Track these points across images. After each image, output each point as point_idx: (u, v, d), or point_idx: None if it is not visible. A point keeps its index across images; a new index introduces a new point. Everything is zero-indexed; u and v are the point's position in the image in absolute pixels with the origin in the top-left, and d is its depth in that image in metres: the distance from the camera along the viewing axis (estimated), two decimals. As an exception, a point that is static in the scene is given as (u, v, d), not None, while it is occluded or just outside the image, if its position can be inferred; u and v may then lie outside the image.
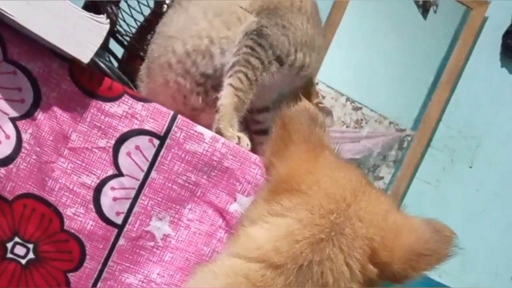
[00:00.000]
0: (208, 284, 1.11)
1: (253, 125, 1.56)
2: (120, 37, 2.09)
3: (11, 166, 1.31)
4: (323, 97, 4.21)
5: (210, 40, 1.60)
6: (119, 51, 2.14)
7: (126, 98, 1.35)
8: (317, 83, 4.07)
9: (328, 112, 1.82)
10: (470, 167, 4.45)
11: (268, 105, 1.71)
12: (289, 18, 1.62)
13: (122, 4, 2.13)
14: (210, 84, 1.63)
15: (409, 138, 4.40)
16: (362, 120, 4.34)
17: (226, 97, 1.54)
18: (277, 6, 1.63)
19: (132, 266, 1.42)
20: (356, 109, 4.32)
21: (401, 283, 1.09)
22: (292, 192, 1.10)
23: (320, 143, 1.20)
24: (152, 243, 1.42)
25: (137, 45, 2.07)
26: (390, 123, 4.38)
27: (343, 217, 1.06)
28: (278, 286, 1.02)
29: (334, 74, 4.11)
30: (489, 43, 4.36)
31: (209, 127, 1.45)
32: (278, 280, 1.03)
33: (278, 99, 1.70)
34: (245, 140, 1.49)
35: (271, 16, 1.60)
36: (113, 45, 2.08)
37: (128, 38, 2.12)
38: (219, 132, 1.48)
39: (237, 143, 1.45)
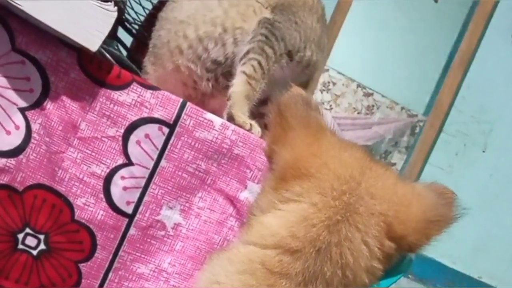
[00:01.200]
0: (223, 271, 1.11)
1: (260, 119, 1.56)
2: (128, 25, 2.09)
3: (21, 156, 1.30)
4: (334, 84, 4.20)
5: (224, 29, 1.60)
6: (127, 39, 2.13)
7: (135, 86, 1.34)
8: (328, 70, 4.08)
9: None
10: (483, 152, 4.44)
11: (270, 97, 1.69)
12: (301, 16, 1.64)
13: (130, -8, 2.13)
14: (221, 71, 1.64)
15: (421, 124, 4.39)
16: (373, 106, 4.33)
17: (238, 85, 1.55)
18: (291, 3, 1.65)
19: (143, 255, 1.42)
20: (367, 95, 4.31)
21: (415, 252, 1.13)
22: (301, 177, 1.10)
23: (319, 126, 1.20)
24: (163, 232, 1.42)
25: (146, 33, 2.06)
26: (402, 108, 4.37)
27: (355, 196, 1.07)
28: (296, 270, 1.03)
29: (345, 60, 4.10)
30: (501, 27, 4.34)
31: (218, 113, 1.45)
32: (296, 265, 1.03)
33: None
34: (257, 128, 1.48)
35: (285, 12, 1.62)
36: (121, 33, 2.07)
37: (136, 26, 2.12)
38: (231, 117, 1.48)
39: (248, 129, 1.45)
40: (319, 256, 1.02)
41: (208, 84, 1.66)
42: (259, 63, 1.55)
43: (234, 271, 1.08)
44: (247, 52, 1.57)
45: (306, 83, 1.83)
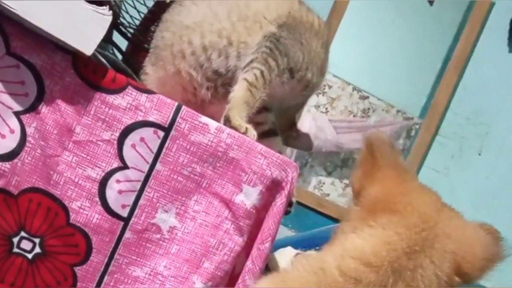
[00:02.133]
0: (299, 263, 1.19)
1: (255, 128, 1.57)
2: (123, 29, 2.08)
3: (16, 160, 1.30)
4: (330, 87, 4.20)
5: (229, 42, 1.61)
6: (123, 43, 2.13)
7: (130, 90, 1.34)
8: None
9: (306, 136, 1.96)
10: (479, 154, 4.43)
11: (268, 106, 1.71)
12: (307, 38, 1.67)
13: (125, -4, 2.13)
14: (221, 82, 1.65)
15: (417, 127, 4.39)
16: (369, 109, 4.33)
17: (239, 90, 1.55)
18: (298, 24, 1.67)
19: (138, 259, 1.42)
20: (363, 98, 4.30)
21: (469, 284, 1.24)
22: (389, 211, 1.20)
23: (404, 168, 1.31)
24: (158, 236, 1.42)
25: (141, 37, 2.06)
26: (398, 111, 4.36)
27: (433, 234, 1.17)
28: (369, 280, 1.11)
29: (341, 63, 4.09)
30: (497, 28, 4.33)
31: (215, 119, 1.45)
32: (370, 275, 1.11)
33: (276, 109, 1.79)
34: (252, 131, 1.48)
35: (292, 30, 1.64)
36: (116, 37, 2.06)
37: (131, 30, 2.11)
38: (227, 119, 1.48)
39: (243, 132, 1.45)
40: (394, 275, 1.12)
41: (207, 92, 1.66)
42: (262, 72, 1.55)
43: (307, 263, 1.18)
44: (251, 61, 1.58)
45: (302, 105, 1.86)
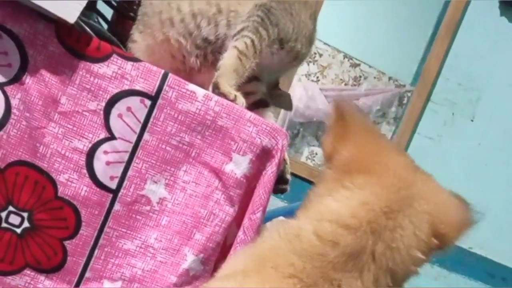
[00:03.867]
0: (275, 231, 1.19)
1: (246, 98, 1.56)
2: (108, -3, 2.06)
3: (1, 133, 1.29)
4: (320, 55, 4.18)
5: (219, 10, 1.60)
6: (108, 12, 2.10)
7: (115, 58, 1.32)
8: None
9: (287, 95, 1.93)
10: (472, 121, 4.43)
11: (258, 76, 1.69)
12: (296, 9, 1.66)
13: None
14: (210, 49, 1.63)
15: (408, 94, 4.37)
16: (360, 77, 4.31)
17: (228, 58, 1.53)
18: None
19: (129, 231, 1.41)
20: (354, 65, 4.28)
21: (444, 250, 1.24)
22: (364, 171, 1.19)
23: (377, 130, 1.33)
24: (148, 207, 1.40)
25: (127, 5, 2.04)
26: (389, 78, 4.34)
27: (411, 194, 1.16)
28: (348, 242, 1.11)
29: (331, 30, 4.08)
30: (487, -8, 4.33)
31: (204, 87, 1.43)
32: (348, 238, 1.11)
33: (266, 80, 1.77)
34: (241, 99, 1.47)
35: (282, 1, 1.63)
36: (101, 6, 2.04)
37: (116, -1, 2.09)
38: (216, 86, 1.46)
39: (232, 100, 1.43)
40: (373, 236, 1.11)
41: (197, 60, 1.65)
42: (252, 41, 1.54)
43: (283, 231, 1.17)
44: (241, 30, 1.56)
45: (290, 75, 1.87)
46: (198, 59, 1.64)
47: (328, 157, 1.27)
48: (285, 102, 1.92)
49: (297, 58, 1.72)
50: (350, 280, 1.10)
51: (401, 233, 1.12)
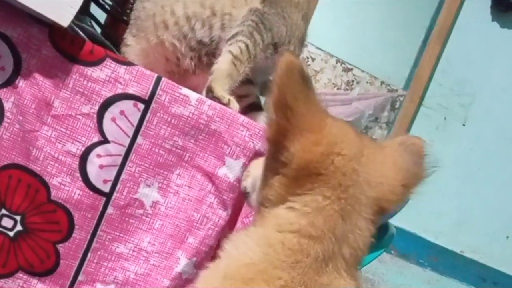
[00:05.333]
0: (243, 243, 1.15)
1: (239, 101, 1.56)
2: (101, 1, 2.06)
3: (-6, 136, 1.28)
4: (313, 59, 4.19)
5: (213, 12, 1.60)
6: (101, 16, 2.10)
7: (108, 62, 1.32)
8: (307, 45, 4.07)
9: None
10: (464, 125, 4.44)
11: (252, 79, 1.69)
12: (289, 12, 1.66)
13: (103, -33, 2.10)
14: (205, 52, 1.63)
15: (401, 98, 4.39)
16: (353, 81, 4.32)
17: (222, 62, 1.54)
18: None
19: (122, 235, 1.41)
20: (347, 70, 4.29)
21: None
22: (312, 176, 1.15)
23: (320, 114, 1.20)
24: (141, 211, 1.40)
25: (120, 9, 2.04)
26: (382, 83, 4.36)
27: (358, 187, 1.14)
28: (316, 251, 1.10)
29: (324, 35, 4.08)
30: (479, -3, 4.35)
31: (198, 90, 1.43)
32: (317, 247, 1.10)
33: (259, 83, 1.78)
34: (235, 104, 1.47)
35: (274, 5, 1.63)
36: (95, 9, 2.04)
37: (110, 2, 2.09)
38: (210, 90, 1.47)
39: (225, 103, 1.44)
40: (338, 241, 1.11)
41: (191, 63, 1.65)
42: (247, 46, 1.55)
43: (253, 243, 1.14)
44: (236, 34, 1.57)
45: None
46: (193, 61, 1.64)
47: (269, 145, 1.20)
48: None
49: None
50: (337, 282, 1.10)
51: (358, 232, 1.12)
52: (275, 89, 1.16)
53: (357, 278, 1.15)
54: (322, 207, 1.12)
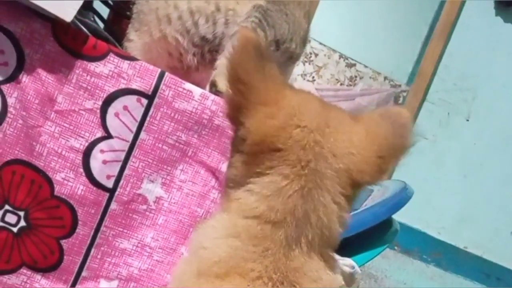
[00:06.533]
0: (208, 238, 1.13)
1: None
2: (105, -4, 2.06)
3: (-3, 132, 1.28)
4: (316, 55, 4.19)
5: (217, 8, 1.60)
6: (104, 11, 2.10)
7: (111, 57, 1.32)
8: (310, 41, 4.06)
9: None
10: (467, 120, 4.44)
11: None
12: (291, 9, 1.66)
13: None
14: (208, 48, 1.63)
15: (404, 94, 4.38)
16: (356, 76, 4.31)
17: (226, 57, 1.52)
18: None
19: (125, 230, 1.41)
20: (350, 65, 4.29)
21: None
22: (269, 152, 1.11)
23: (276, 86, 1.16)
24: (144, 206, 1.40)
25: (123, 5, 2.03)
26: (385, 78, 4.35)
27: (321, 160, 1.10)
28: (279, 236, 1.08)
29: (327, 30, 4.08)
30: (483, -8, 4.34)
31: (201, 86, 1.43)
32: (279, 232, 1.08)
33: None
34: None
35: (277, 2, 1.63)
36: (98, 5, 2.04)
37: (113, -3, 2.09)
38: (214, 84, 1.47)
39: None
40: (299, 223, 1.08)
41: (194, 59, 1.65)
42: None
43: (218, 236, 1.12)
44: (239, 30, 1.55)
45: (286, 76, 1.87)
46: (195, 57, 1.64)
47: (231, 123, 1.19)
48: None
49: (291, 58, 1.72)
50: (308, 265, 1.09)
51: (323, 209, 1.09)
52: (228, 65, 1.14)
53: (329, 259, 1.13)
54: (281, 188, 1.09)
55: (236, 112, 1.13)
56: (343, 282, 1.27)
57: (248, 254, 1.08)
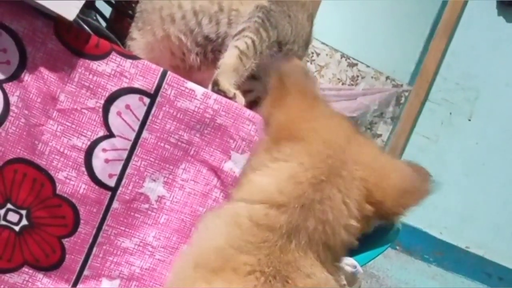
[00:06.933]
0: (212, 224, 1.17)
1: (244, 96, 1.56)
2: (107, -5, 2.06)
3: (-1, 130, 1.28)
4: (318, 55, 4.19)
5: (220, 8, 1.60)
6: (106, 10, 2.10)
7: (114, 55, 1.32)
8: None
9: None
10: (469, 120, 4.44)
11: (256, 74, 1.69)
12: (294, 11, 1.66)
13: (109, -39, 2.10)
14: (211, 47, 1.63)
15: (406, 94, 4.38)
16: (358, 76, 4.32)
17: (229, 57, 1.54)
18: None
19: (127, 229, 1.41)
20: (352, 65, 4.29)
21: (390, 220, 1.25)
22: (292, 139, 1.17)
23: (314, 95, 1.26)
24: (146, 205, 1.40)
25: (125, 4, 2.04)
26: (387, 78, 4.35)
27: (339, 161, 1.15)
28: (281, 223, 1.10)
29: (328, 30, 4.08)
30: (485, -9, 4.34)
31: (203, 86, 1.43)
32: (281, 218, 1.10)
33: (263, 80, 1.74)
34: (241, 97, 1.47)
35: (280, 3, 1.63)
36: (100, 4, 2.04)
37: (115, -4, 2.09)
38: (216, 83, 1.47)
39: (231, 97, 1.43)
40: (303, 212, 1.11)
41: (197, 58, 1.65)
42: (253, 41, 1.55)
43: (221, 223, 1.15)
44: (242, 30, 1.57)
45: None
46: (198, 56, 1.64)
47: (265, 123, 1.27)
48: None
49: None
50: (302, 261, 1.10)
51: (329, 204, 1.11)
52: (277, 73, 1.27)
53: (326, 262, 1.14)
54: (294, 173, 1.13)
55: (273, 107, 1.22)
56: (345, 282, 1.28)
57: (244, 244, 1.10)
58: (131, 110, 1.34)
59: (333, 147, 1.15)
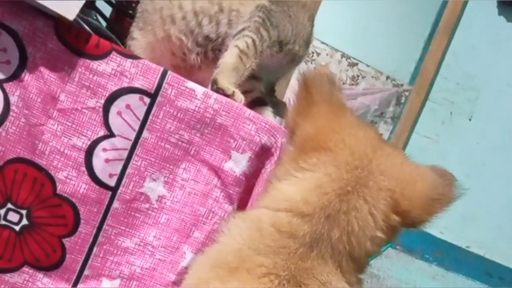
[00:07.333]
0: (236, 227, 1.17)
1: (244, 96, 1.57)
2: (107, -5, 2.06)
3: (0, 130, 1.28)
4: (318, 54, 4.18)
5: (220, 8, 1.60)
6: (107, 10, 2.10)
7: (114, 55, 1.32)
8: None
9: (283, 104, 1.92)
10: (470, 120, 4.43)
11: (257, 74, 1.69)
12: (295, 11, 1.67)
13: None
14: (211, 47, 1.63)
15: (406, 93, 4.38)
16: (358, 76, 4.31)
17: (229, 56, 1.54)
18: None
19: (127, 229, 1.41)
20: (352, 65, 4.28)
21: (417, 228, 1.22)
22: (319, 150, 1.16)
23: (341, 104, 1.26)
24: (147, 205, 1.40)
25: (126, 3, 2.04)
26: (387, 78, 4.35)
27: (366, 171, 1.14)
28: (304, 232, 1.10)
29: (328, 29, 4.07)
30: (486, -9, 4.33)
31: (203, 85, 1.43)
32: (304, 227, 1.10)
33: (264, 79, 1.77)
34: (239, 95, 1.47)
35: (281, 3, 1.63)
36: (100, 4, 2.04)
37: (115, -4, 2.09)
38: (215, 81, 1.46)
39: (230, 95, 1.43)
40: (328, 222, 1.10)
41: (197, 58, 1.65)
42: (253, 41, 1.55)
43: (244, 226, 1.15)
44: (242, 29, 1.57)
45: (288, 75, 1.88)
46: (199, 56, 1.64)
47: (291, 132, 1.25)
48: (280, 111, 1.93)
49: (294, 60, 1.73)
50: (320, 268, 1.10)
51: (355, 215, 1.11)
52: (303, 82, 1.25)
53: (347, 271, 1.13)
54: (321, 184, 1.12)
55: (299, 117, 1.21)
56: None
57: (262, 247, 1.10)
58: (131, 109, 1.34)
59: (360, 158, 1.15)
